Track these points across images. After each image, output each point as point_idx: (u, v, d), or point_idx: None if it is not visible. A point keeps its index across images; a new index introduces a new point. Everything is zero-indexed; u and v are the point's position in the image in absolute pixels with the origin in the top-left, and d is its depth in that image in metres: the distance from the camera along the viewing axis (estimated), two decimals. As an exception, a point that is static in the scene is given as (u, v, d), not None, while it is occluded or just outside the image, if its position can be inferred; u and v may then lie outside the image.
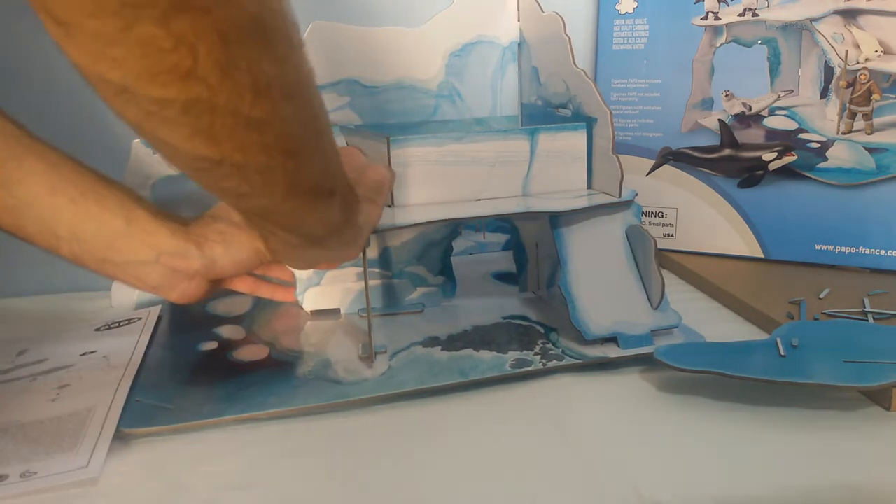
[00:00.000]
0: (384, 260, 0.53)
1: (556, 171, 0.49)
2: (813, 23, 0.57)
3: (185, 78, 0.21)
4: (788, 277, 0.57)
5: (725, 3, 0.59)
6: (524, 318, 0.51)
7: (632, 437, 0.37)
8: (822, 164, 0.58)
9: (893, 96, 0.55)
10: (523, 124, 0.58)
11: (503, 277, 0.59)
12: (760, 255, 0.61)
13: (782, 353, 0.41)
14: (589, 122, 0.48)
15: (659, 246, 0.47)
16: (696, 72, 0.60)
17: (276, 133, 0.25)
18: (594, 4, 0.64)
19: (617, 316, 0.45)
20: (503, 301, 0.54)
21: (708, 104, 0.61)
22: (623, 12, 0.62)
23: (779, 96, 0.59)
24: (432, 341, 0.47)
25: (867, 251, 0.58)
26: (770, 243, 0.61)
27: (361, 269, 0.52)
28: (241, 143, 0.24)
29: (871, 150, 0.57)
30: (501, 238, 0.65)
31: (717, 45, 0.60)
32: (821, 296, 0.52)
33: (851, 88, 0.56)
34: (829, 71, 0.57)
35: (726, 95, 0.60)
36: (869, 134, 0.57)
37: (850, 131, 0.57)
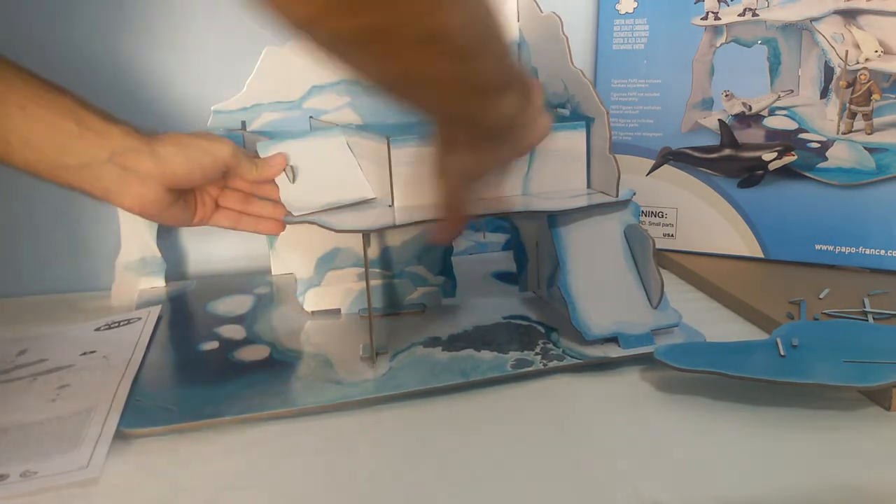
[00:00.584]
0: (384, 260, 0.53)
1: (555, 171, 0.49)
2: (813, 23, 0.57)
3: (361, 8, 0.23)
4: (788, 277, 0.57)
5: (725, 3, 0.59)
6: (525, 317, 0.51)
7: (632, 437, 0.37)
8: (822, 164, 0.58)
9: (893, 96, 0.55)
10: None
11: (503, 277, 0.59)
12: (760, 255, 0.61)
13: (782, 353, 0.41)
14: (587, 122, 0.48)
15: (659, 246, 0.47)
16: (696, 72, 0.60)
17: (452, 42, 0.26)
18: (594, 4, 0.64)
19: (617, 316, 0.45)
20: (503, 301, 0.54)
21: (708, 104, 0.61)
22: (623, 12, 0.62)
23: (779, 96, 0.59)
24: (433, 341, 0.47)
25: (867, 251, 0.58)
26: (770, 243, 0.61)
27: (361, 270, 0.52)
28: (419, 58, 0.26)
29: (871, 150, 0.57)
30: (501, 238, 0.65)
31: (717, 45, 0.60)
32: (821, 296, 0.52)
33: (851, 88, 0.56)
34: (829, 71, 0.57)
35: (726, 95, 0.60)
36: (869, 134, 0.57)
37: (850, 131, 0.57)
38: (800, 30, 0.57)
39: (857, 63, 0.56)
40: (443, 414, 0.39)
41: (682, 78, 0.61)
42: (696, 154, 0.62)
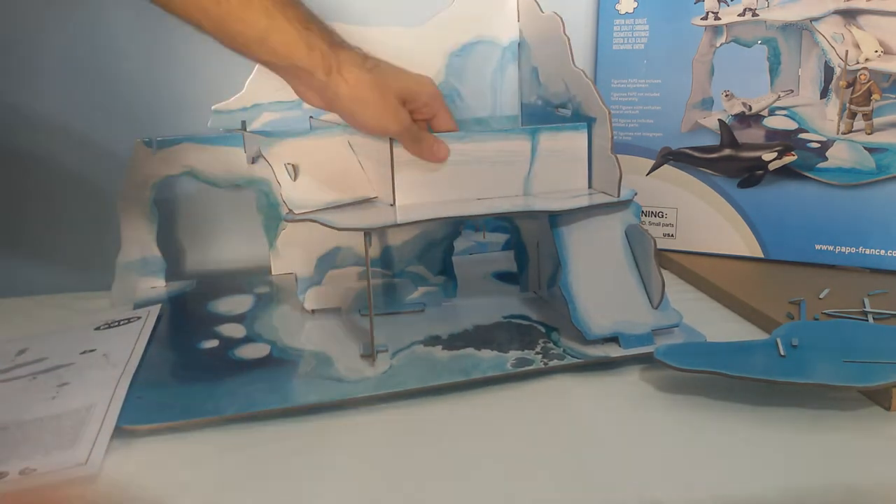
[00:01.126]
0: (385, 259, 0.53)
1: (557, 171, 0.49)
2: (813, 23, 0.57)
3: None
4: (788, 277, 0.57)
5: (725, 3, 0.59)
6: (525, 317, 0.51)
7: (633, 437, 0.37)
8: (822, 164, 0.58)
9: (893, 96, 0.55)
10: (523, 124, 0.58)
11: (504, 277, 0.59)
12: (760, 254, 0.61)
13: (782, 353, 0.41)
14: (588, 122, 0.48)
15: (659, 246, 0.47)
16: (696, 72, 0.60)
17: None
18: (594, 4, 0.64)
19: (617, 315, 0.45)
20: (504, 301, 0.54)
21: (708, 104, 0.61)
22: (623, 12, 0.62)
23: (779, 96, 0.59)
24: (433, 340, 0.47)
25: (867, 251, 0.58)
26: (770, 243, 0.61)
27: (362, 269, 0.52)
28: None
29: (871, 150, 0.57)
30: (501, 238, 0.65)
31: (717, 44, 0.60)
32: (821, 296, 0.52)
33: (851, 88, 0.56)
34: (829, 71, 0.57)
35: (726, 95, 0.60)
36: (869, 134, 0.57)
37: (850, 131, 0.57)
38: (800, 30, 0.58)
39: (857, 63, 0.56)
40: (443, 412, 0.39)
41: (682, 78, 0.61)
42: (696, 154, 0.62)
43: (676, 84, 0.61)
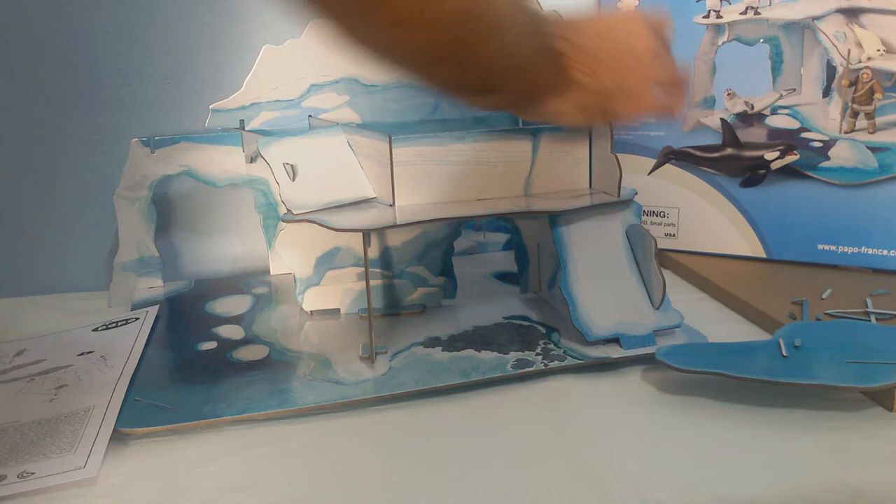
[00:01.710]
0: (385, 260, 0.53)
1: (558, 171, 0.49)
2: (815, 21, 0.56)
3: None
4: (791, 277, 0.57)
5: (727, 1, 0.59)
6: (525, 318, 0.50)
7: (634, 438, 0.37)
8: (824, 164, 0.58)
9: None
10: (523, 124, 0.58)
11: (504, 277, 0.59)
12: (762, 254, 0.61)
13: (784, 353, 0.41)
14: (590, 122, 0.48)
15: (661, 245, 0.46)
16: (697, 70, 0.60)
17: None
18: (594, 4, 0.64)
19: (618, 316, 0.45)
20: (504, 301, 0.53)
21: (710, 103, 0.60)
22: (624, 11, 0.62)
23: (781, 95, 0.58)
24: (433, 342, 0.47)
25: (870, 251, 0.58)
26: (772, 243, 0.61)
27: (361, 270, 0.52)
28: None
29: (874, 149, 0.56)
30: (501, 238, 0.65)
31: (719, 43, 0.59)
32: (823, 296, 0.52)
33: (854, 87, 0.56)
34: (831, 70, 0.57)
35: (728, 94, 0.60)
36: (871, 133, 0.56)
37: (853, 130, 0.57)
38: (802, 28, 0.57)
39: (860, 62, 0.55)
40: (443, 414, 0.39)
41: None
42: (697, 153, 0.61)
43: (678, 83, 0.61)
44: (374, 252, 0.52)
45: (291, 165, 0.48)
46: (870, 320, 0.48)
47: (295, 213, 0.45)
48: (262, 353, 0.46)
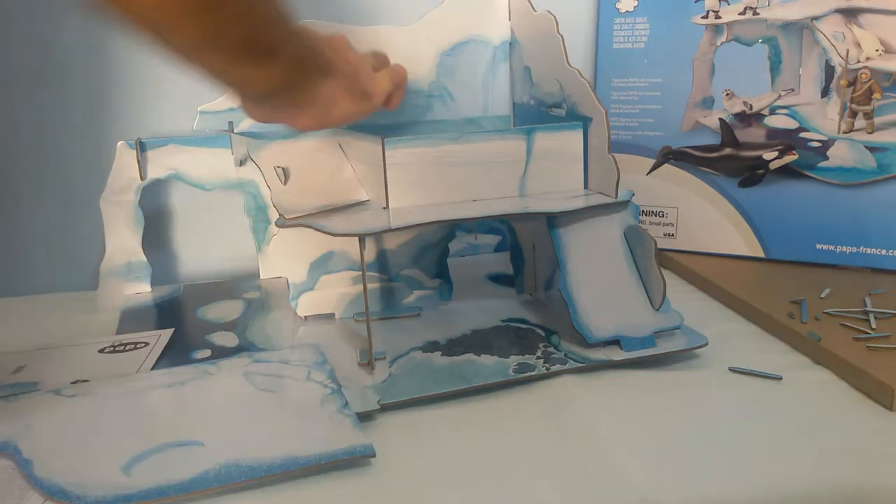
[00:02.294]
0: (380, 263, 0.52)
1: (553, 172, 0.48)
2: (814, 21, 0.56)
3: None
4: (789, 277, 0.57)
5: (726, 1, 0.58)
6: (523, 321, 0.50)
7: (635, 439, 0.36)
8: (822, 164, 0.58)
9: (894, 95, 0.55)
10: (515, 124, 0.57)
11: (498, 279, 0.58)
12: (761, 254, 0.61)
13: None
14: (584, 122, 0.47)
15: (659, 246, 0.46)
16: (696, 70, 0.60)
17: None
18: (594, 3, 0.63)
19: (619, 318, 0.44)
20: (501, 304, 0.53)
21: (708, 103, 0.60)
22: (623, 11, 0.61)
23: (779, 95, 0.58)
24: (431, 346, 0.46)
25: (868, 251, 0.57)
26: (771, 243, 0.60)
27: (356, 274, 0.51)
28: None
29: (872, 149, 0.56)
30: (493, 240, 0.65)
31: (718, 43, 0.59)
32: (822, 295, 0.52)
33: (852, 87, 0.56)
34: (829, 70, 0.56)
35: (727, 94, 0.59)
36: (870, 133, 0.56)
37: (851, 130, 0.57)
38: (801, 28, 0.57)
39: (858, 62, 0.55)
40: (445, 419, 0.39)
41: (683, 77, 0.60)
42: (696, 153, 0.61)
43: (677, 83, 0.60)
44: (369, 256, 0.51)
45: (283, 169, 0.47)
46: (869, 319, 0.47)
47: (287, 217, 0.44)
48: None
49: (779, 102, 0.58)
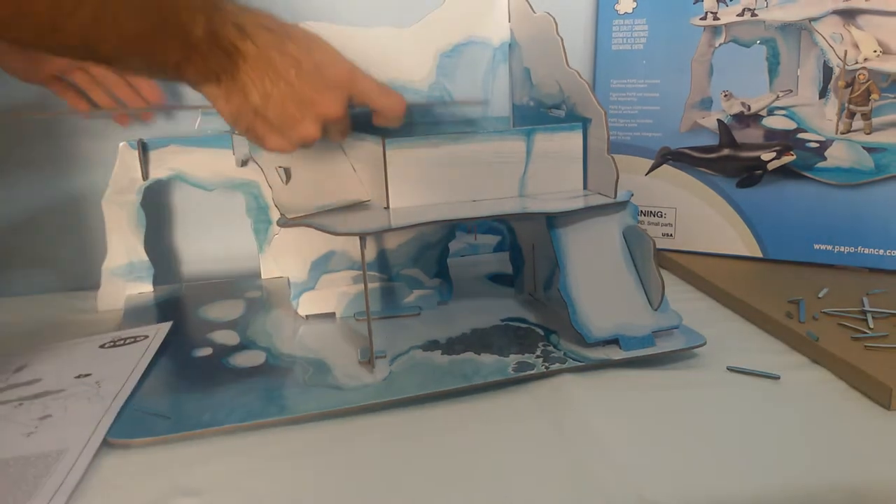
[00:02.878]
0: (380, 263, 0.52)
1: (552, 172, 0.48)
2: (812, 23, 0.56)
3: None
4: (787, 277, 0.57)
5: (724, 3, 0.59)
6: (523, 320, 0.50)
7: (635, 439, 0.36)
8: (820, 164, 0.58)
9: (892, 96, 0.55)
10: (515, 125, 0.58)
11: (497, 279, 0.58)
12: (759, 254, 0.61)
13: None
14: (584, 123, 0.48)
15: (658, 246, 0.46)
16: (695, 72, 0.60)
17: None
18: (593, 4, 0.64)
19: (618, 318, 0.45)
20: (500, 303, 0.53)
21: (707, 104, 0.60)
22: (622, 12, 0.62)
23: (778, 96, 0.58)
24: (431, 345, 0.46)
25: (866, 251, 0.58)
26: (769, 243, 0.61)
27: (356, 273, 0.51)
28: None
29: (870, 149, 0.56)
30: (493, 239, 0.65)
31: (716, 45, 0.59)
32: (820, 295, 0.52)
33: (850, 88, 0.56)
34: (827, 71, 0.57)
35: (725, 95, 0.60)
36: (868, 134, 0.57)
37: (849, 131, 0.57)
38: (799, 30, 0.57)
39: (856, 63, 0.56)
40: (444, 418, 0.39)
41: (681, 78, 0.60)
42: (694, 154, 0.61)
43: (675, 84, 0.61)
44: (369, 255, 0.52)
45: (284, 169, 0.47)
46: (867, 319, 0.48)
47: (288, 216, 0.44)
48: (259, 360, 0.45)
49: (777, 103, 0.59)
